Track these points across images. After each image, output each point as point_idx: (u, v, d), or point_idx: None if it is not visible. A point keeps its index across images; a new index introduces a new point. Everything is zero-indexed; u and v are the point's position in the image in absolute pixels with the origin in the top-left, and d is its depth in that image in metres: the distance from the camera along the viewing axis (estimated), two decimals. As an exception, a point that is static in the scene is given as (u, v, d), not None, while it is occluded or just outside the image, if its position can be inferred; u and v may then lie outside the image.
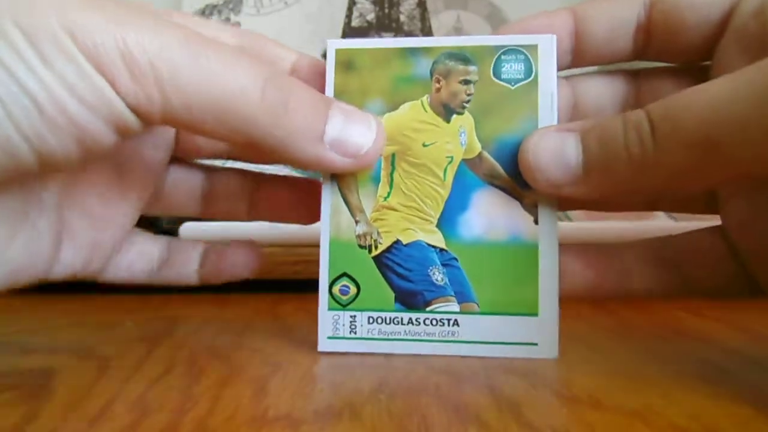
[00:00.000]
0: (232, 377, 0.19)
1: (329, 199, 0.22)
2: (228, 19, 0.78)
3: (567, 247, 0.21)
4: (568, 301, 0.21)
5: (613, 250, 0.22)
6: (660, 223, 0.33)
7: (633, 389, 0.18)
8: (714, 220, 0.22)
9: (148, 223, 0.43)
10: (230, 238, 0.37)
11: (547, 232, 0.21)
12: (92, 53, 0.16)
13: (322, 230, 0.22)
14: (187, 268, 0.24)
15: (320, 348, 0.21)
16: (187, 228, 0.37)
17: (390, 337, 0.21)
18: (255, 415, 0.16)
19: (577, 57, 0.22)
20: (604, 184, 0.19)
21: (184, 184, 0.25)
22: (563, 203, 0.21)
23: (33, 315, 0.30)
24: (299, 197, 0.24)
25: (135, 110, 0.17)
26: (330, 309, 0.21)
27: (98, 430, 0.15)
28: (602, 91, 0.23)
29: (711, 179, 0.17)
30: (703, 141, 0.16)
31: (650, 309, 0.30)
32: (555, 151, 0.19)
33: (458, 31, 0.77)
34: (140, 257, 0.24)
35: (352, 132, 0.19)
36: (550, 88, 0.21)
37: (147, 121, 0.17)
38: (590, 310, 0.29)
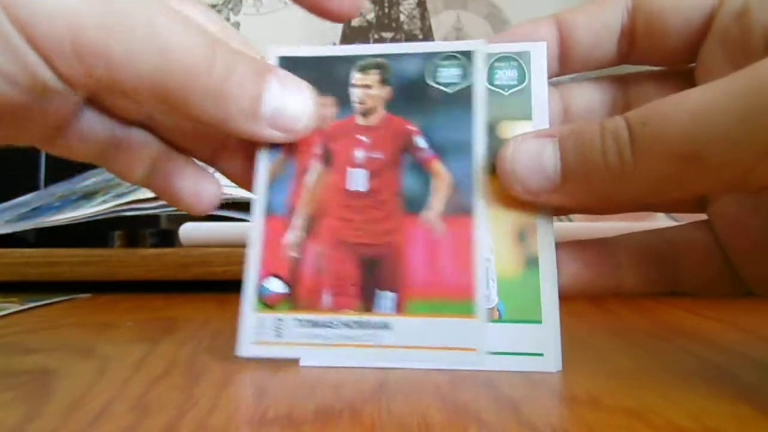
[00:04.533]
0: (232, 377, 0.19)
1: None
2: (228, 19, 0.78)
3: (562, 245, 0.21)
4: (562, 300, 0.20)
5: (607, 247, 0.22)
6: (660, 224, 0.33)
7: (633, 389, 0.18)
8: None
9: (147, 222, 0.43)
10: (231, 240, 0.37)
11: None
12: (29, 30, 0.15)
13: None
14: (131, 168, 0.22)
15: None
16: (187, 228, 0.37)
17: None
18: (255, 415, 0.16)
19: (564, 64, 0.22)
20: (581, 192, 0.19)
21: (93, 128, 0.21)
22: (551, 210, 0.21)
23: (33, 315, 0.30)
24: (193, 185, 0.22)
25: (67, 81, 0.16)
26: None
27: (98, 430, 0.15)
28: (591, 96, 0.23)
29: (690, 190, 0.17)
30: (683, 152, 0.16)
31: (650, 309, 0.30)
32: (532, 157, 0.19)
33: (458, 30, 0.77)
34: (79, 141, 0.21)
35: (288, 107, 0.20)
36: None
37: (75, 90, 0.17)
38: (590, 310, 0.29)
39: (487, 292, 0.20)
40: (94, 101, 0.21)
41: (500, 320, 0.20)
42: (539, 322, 0.20)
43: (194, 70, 0.17)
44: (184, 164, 0.22)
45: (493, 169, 0.20)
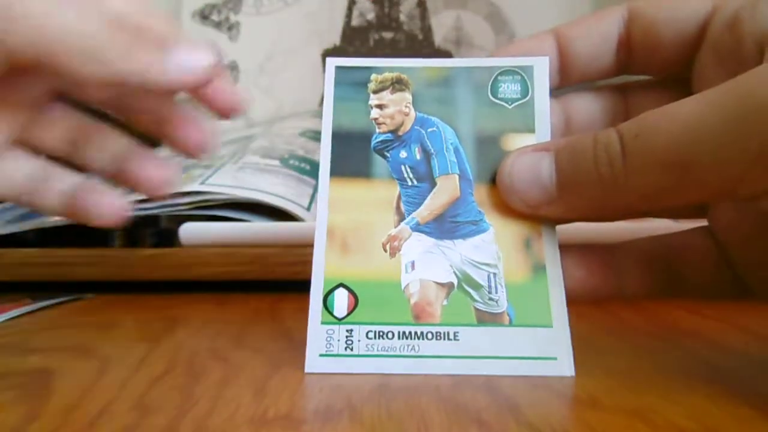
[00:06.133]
0: (232, 377, 0.19)
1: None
2: (228, 19, 0.78)
3: (568, 252, 0.21)
4: (568, 304, 0.20)
5: (611, 253, 0.22)
6: (661, 224, 0.33)
7: (633, 389, 0.18)
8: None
9: (147, 222, 0.43)
10: (231, 240, 0.37)
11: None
12: None
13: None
14: (50, 199, 0.23)
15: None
16: (187, 228, 0.37)
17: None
18: (255, 415, 0.16)
19: (564, 76, 0.22)
20: (577, 204, 0.19)
21: (58, 124, 0.23)
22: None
23: (33, 315, 0.30)
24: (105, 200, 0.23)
25: None
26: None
27: (98, 430, 0.15)
28: (592, 106, 0.23)
29: (682, 199, 0.17)
30: (674, 163, 0.16)
31: (650, 309, 0.30)
32: (530, 171, 0.19)
33: (458, 30, 0.77)
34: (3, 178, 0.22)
35: (192, 52, 0.19)
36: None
37: None
38: (590, 311, 0.29)
39: (496, 297, 0.20)
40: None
41: (511, 325, 0.20)
42: (550, 326, 0.20)
43: (93, 35, 0.18)
44: (101, 186, 0.23)
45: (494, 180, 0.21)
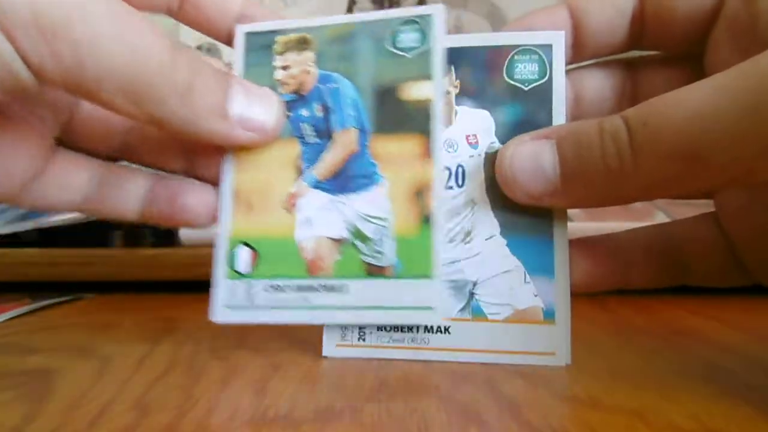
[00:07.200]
0: (232, 377, 0.19)
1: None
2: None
3: (572, 243, 0.21)
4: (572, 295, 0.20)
5: (615, 243, 0.22)
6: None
7: (633, 389, 0.18)
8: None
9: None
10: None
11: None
12: None
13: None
14: (125, 205, 0.22)
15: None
16: (187, 231, 0.37)
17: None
18: (255, 415, 0.16)
19: (578, 52, 0.21)
20: (582, 193, 0.18)
21: (71, 170, 0.21)
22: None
23: (33, 315, 0.30)
24: (197, 199, 0.22)
25: (36, 71, 0.16)
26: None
27: (98, 430, 0.15)
28: (602, 83, 0.22)
29: (691, 188, 0.17)
30: (684, 152, 0.16)
31: (650, 309, 0.30)
32: (531, 161, 0.19)
33: (458, 30, 0.77)
34: (57, 188, 0.21)
35: (255, 108, 0.20)
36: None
37: (46, 83, 0.16)
38: (590, 310, 0.29)
39: (383, 250, 0.21)
40: (68, 136, 0.21)
41: (396, 277, 0.20)
42: (430, 277, 0.20)
43: (161, 67, 0.17)
44: (181, 181, 0.22)
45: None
